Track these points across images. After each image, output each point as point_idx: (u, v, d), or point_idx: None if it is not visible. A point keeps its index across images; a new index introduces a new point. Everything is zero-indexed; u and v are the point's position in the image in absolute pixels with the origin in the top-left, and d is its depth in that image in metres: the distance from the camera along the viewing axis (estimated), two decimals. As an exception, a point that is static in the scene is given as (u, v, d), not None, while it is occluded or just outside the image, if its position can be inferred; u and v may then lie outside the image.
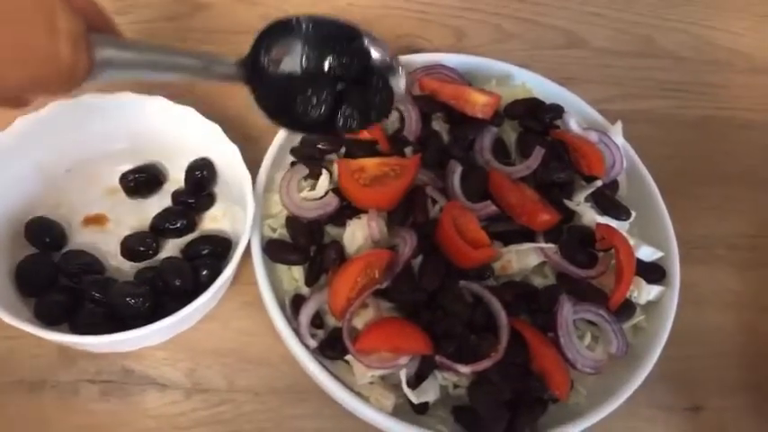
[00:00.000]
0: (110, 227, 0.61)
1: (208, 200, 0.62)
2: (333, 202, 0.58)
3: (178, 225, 0.60)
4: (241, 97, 0.70)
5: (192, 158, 0.62)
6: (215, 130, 0.58)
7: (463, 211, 0.57)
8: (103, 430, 0.54)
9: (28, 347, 0.56)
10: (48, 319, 0.53)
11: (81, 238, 0.60)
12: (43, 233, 0.58)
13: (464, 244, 0.55)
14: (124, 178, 0.62)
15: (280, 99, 0.48)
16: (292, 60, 0.48)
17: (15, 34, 0.34)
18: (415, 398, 0.52)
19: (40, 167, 0.59)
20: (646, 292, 0.58)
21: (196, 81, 0.47)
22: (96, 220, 0.62)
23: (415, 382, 0.53)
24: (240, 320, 0.60)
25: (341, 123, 0.49)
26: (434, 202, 0.60)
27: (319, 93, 0.48)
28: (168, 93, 0.60)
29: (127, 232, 0.60)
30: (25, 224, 0.58)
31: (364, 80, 0.49)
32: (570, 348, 0.55)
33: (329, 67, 0.48)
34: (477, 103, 0.63)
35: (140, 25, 0.75)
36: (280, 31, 0.48)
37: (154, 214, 0.61)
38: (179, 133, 0.60)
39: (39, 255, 0.57)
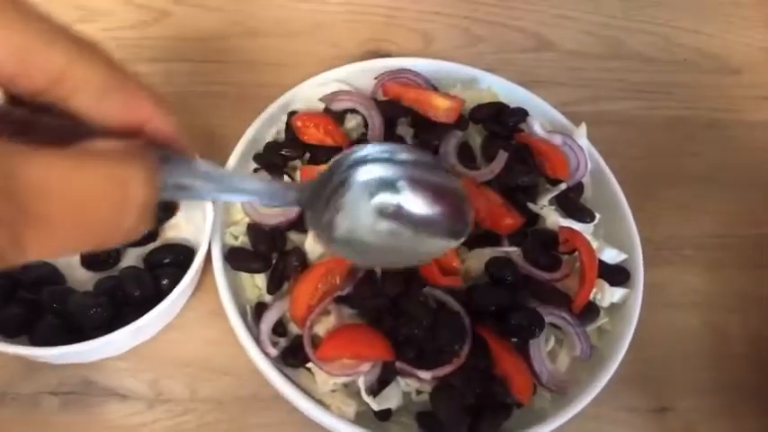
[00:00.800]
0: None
1: (170, 208, 0.62)
2: (294, 208, 0.58)
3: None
4: (205, 102, 0.71)
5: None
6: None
7: None
8: (64, 442, 0.54)
9: (-15, 361, 0.55)
10: (7, 332, 0.53)
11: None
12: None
13: (434, 266, 0.55)
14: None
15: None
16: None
17: (84, 215, 0.29)
18: (375, 405, 0.51)
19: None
20: (609, 295, 0.58)
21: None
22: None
23: (377, 388, 0.53)
24: (203, 329, 0.59)
25: None
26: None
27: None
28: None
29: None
30: None
31: None
32: (538, 360, 0.54)
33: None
34: (441, 107, 0.63)
35: (105, 33, 0.75)
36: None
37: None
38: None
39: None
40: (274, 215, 0.58)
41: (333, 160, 0.45)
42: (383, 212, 0.47)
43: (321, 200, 0.44)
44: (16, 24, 0.28)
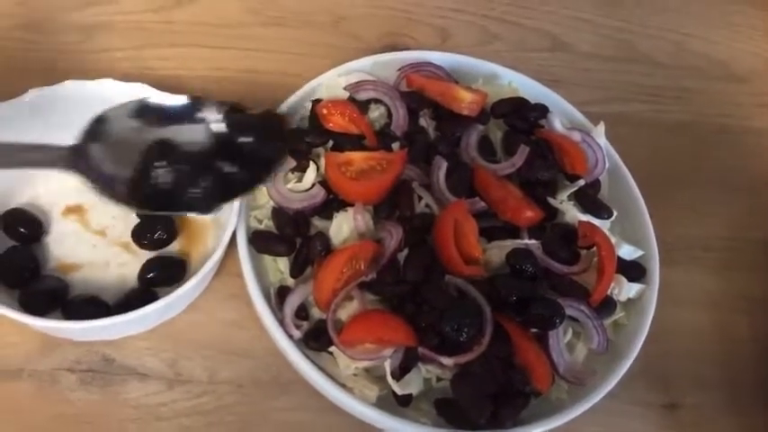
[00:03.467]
0: (89, 216, 0.60)
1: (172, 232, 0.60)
2: (320, 193, 0.58)
3: (156, 235, 0.59)
4: (225, 88, 0.71)
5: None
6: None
7: (467, 218, 0.57)
8: (82, 420, 0.54)
9: (3, 335, 0.55)
10: (32, 309, 0.52)
11: (62, 228, 0.59)
12: (19, 225, 0.57)
13: (457, 255, 0.55)
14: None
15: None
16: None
17: None
18: (399, 389, 0.52)
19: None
20: (626, 290, 0.59)
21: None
22: (77, 210, 0.61)
23: (399, 374, 0.53)
24: (225, 312, 0.59)
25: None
26: (420, 198, 0.61)
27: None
28: (150, 81, 0.59)
29: (107, 220, 0.60)
30: (1, 216, 0.57)
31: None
32: (556, 350, 0.55)
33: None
34: (464, 100, 0.64)
35: (125, 16, 0.75)
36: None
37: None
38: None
39: (18, 247, 0.56)
40: (299, 200, 0.58)
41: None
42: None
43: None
44: None
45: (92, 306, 0.53)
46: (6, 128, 0.55)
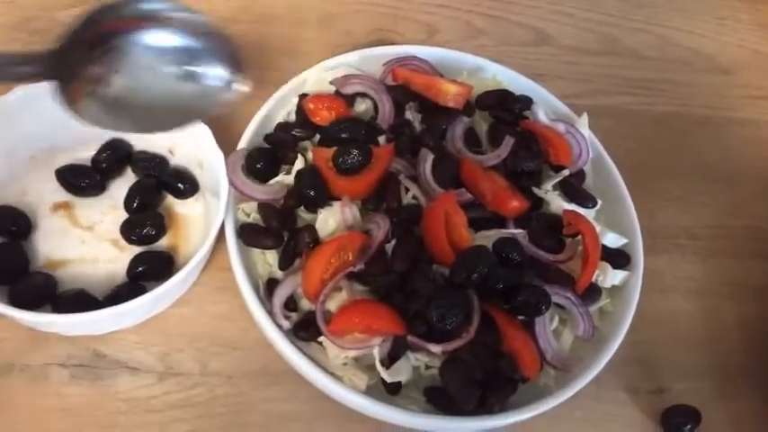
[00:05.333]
0: (77, 212, 0.61)
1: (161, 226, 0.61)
2: (281, 190, 0.59)
3: (145, 231, 0.59)
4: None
5: (161, 142, 0.62)
6: None
7: (457, 210, 0.58)
8: (74, 413, 0.54)
9: (-6, 331, 0.56)
10: (22, 306, 0.52)
11: (51, 224, 0.60)
12: (7, 222, 0.57)
13: (448, 246, 0.56)
14: (96, 161, 0.62)
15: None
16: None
17: None
18: (388, 377, 0.52)
19: (4, 154, 0.58)
20: (611, 277, 0.60)
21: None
22: (64, 207, 0.61)
23: (388, 362, 0.54)
24: (214, 305, 0.60)
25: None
26: (407, 189, 0.61)
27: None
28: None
29: (95, 216, 0.60)
30: None
31: None
32: (543, 337, 0.56)
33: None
34: (449, 93, 0.64)
35: None
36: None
37: (120, 194, 0.61)
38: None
39: (6, 244, 0.57)
40: (261, 191, 0.59)
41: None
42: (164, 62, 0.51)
43: (73, 68, 0.46)
44: None
45: (81, 300, 0.53)
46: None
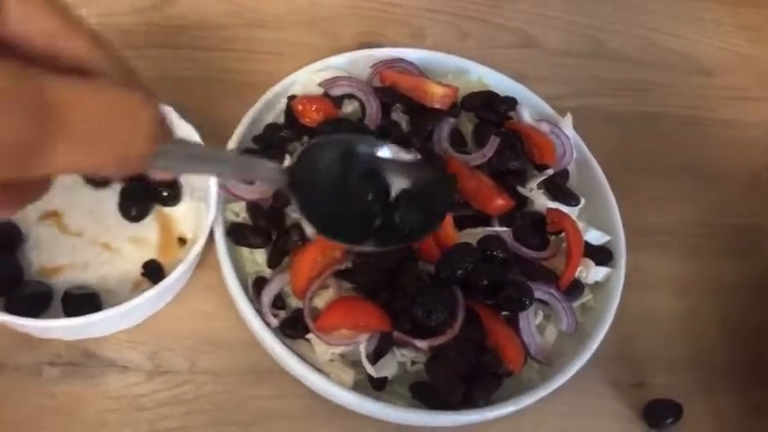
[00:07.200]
0: (66, 219, 0.61)
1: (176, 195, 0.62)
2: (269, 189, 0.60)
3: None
4: (205, 89, 0.73)
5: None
6: (168, 111, 0.58)
7: None
8: (66, 411, 0.54)
9: (-15, 332, 0.56)
10: (20, 314, 0.52)
11: (40, 233, 0.59)
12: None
13: (434, 244, 0.57)
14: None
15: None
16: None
17: (102, 130, 0.32)
18: (374, 372, 0.53)
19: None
20: (594, 273, 0.61)
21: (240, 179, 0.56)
22: (53, 215, 0.61)
23: (374, 358, 0.55)
24: (202, 304, 0.60)
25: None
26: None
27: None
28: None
29: (83, 221, 0.60)
30: None
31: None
32: (527, 332, 0.57)
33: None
34: (436, 94, 0.66)
35: (104, 18, 0.76)
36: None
37: (109, 205, 0.61)
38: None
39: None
40: (251, 191, 0.60)
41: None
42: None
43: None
44: None
45: (88, 303, 0.54)
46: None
